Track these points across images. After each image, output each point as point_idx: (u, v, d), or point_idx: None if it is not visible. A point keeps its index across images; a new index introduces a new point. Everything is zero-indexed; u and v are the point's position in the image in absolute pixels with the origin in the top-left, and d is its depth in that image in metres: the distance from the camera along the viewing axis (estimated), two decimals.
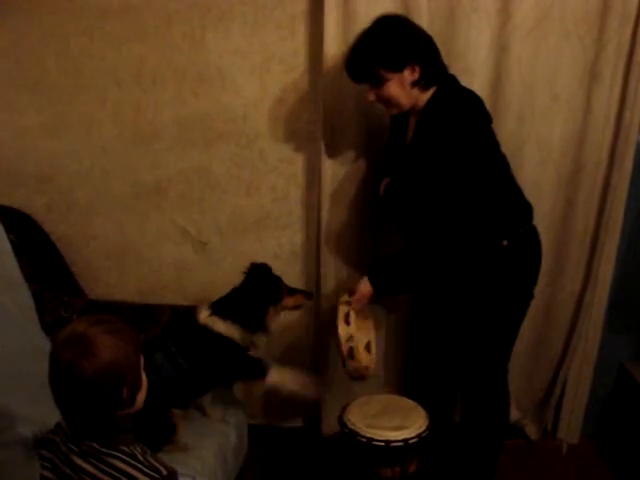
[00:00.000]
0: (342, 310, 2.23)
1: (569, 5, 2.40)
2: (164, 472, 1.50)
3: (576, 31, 2.43)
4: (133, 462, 1.48)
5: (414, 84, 2.09)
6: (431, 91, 2.13)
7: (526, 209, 2.23)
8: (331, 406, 2.87)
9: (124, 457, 1.48)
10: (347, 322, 2.20)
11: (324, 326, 2.77)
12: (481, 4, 2.41)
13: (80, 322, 1.47)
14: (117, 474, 1.46)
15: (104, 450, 1.48)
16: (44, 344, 2.51)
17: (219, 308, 2.24)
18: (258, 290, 2.28)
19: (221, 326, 2.21)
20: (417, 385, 2.68)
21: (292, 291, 2.39)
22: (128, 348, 1.47)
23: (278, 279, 2.36)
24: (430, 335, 2.57)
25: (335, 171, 2.63)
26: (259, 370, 2.28)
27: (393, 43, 2.05)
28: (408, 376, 2.86)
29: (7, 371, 2.27)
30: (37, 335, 2.52)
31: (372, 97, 2.15)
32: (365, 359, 2.20)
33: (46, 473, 1.58)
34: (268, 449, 2.80)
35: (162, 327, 2.65)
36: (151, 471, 1.48)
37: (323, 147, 2.58)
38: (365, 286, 2.21)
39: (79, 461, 1.49)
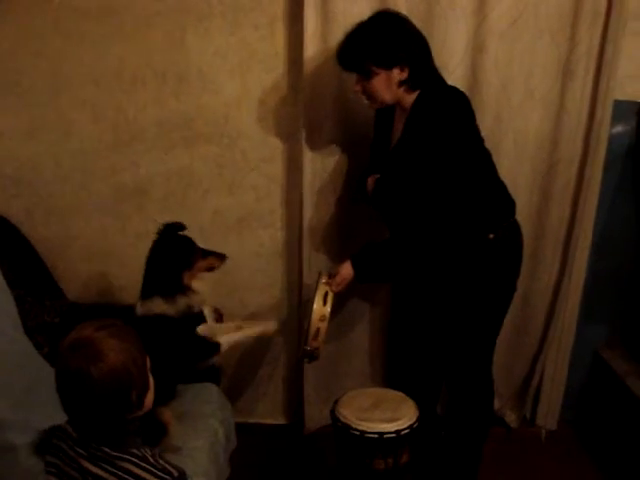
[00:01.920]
0: (322, 289, 2.23)
1: (542, 5, 2.47)
2: (175, 473, 1.50)
3: (549, 30, 2.50)
4: (144, 465, 1.48)
5: (401, 83, 2.13)
6: (416, 92, 2.16)
7: (509, 203, 2.28)
8: (313, 402, 2.92)
9: (135, 460, 1.47)
10: (324, 302, 2.21)
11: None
12: (458, 4, 2.47)
13: (85, 328, 1.45)
14: (129, 477, 1.46)
15: (115, 454, 1.47)
16: (27, 349, 2.49)
17: (143, 291, 2.24)
18: (168, 255, 2.25)
19: (151, 306, 2.19)
20: (401, 377, 2.71)
21: (205, 254, 2.34)
22: (134, 351, 1.46)
23: (189, 241, 2.32)
24: (414, 327, 2.60)
25: (316, 169, 2.66)
26: (210, 346, 2.27)
27: (386, 41, 2.09)
28: (392, 368, 2.90)
29: None
30: (20, 340, 2.47)
31: (357, 88, 2.18)
32: (323, 344, 2.23)
33: (51, 478, 1.57)
34: (252, 446, 2.80)
35: None
36: (163, 473, 1.48)
37: (304, 146, 2.60)
38: (347, 270, 2.23)
39: (88, 465, 1.48)
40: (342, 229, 2.75)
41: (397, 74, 2.11)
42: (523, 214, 2.63)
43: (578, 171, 2.63)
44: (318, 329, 2.19)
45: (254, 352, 2.90)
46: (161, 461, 1.51)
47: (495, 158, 2.28)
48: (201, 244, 2.77)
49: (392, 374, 2.89)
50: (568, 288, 2.77)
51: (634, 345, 2.86)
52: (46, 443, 1.62)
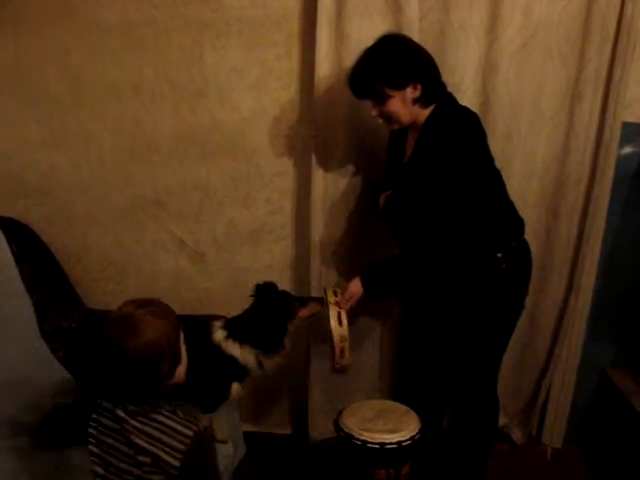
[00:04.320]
0: (334, 310, 2.26)
1: (553, 27, 2.51)
2: (201, 426, 1.68)
3: (559, 52, 2.54)
4: (173, 416, 1.66)
5: (415, 101, 2.16)
6: (430, 108, 2.20)
7: (518, 222, 2.31)
8: (319, 413, 2.95)
9: (165, 412, 1.66)
10: (340, 323, 2.25)
11: (316, 336, 2.83)
12: (470, 25, 2.51)
13: (127, 304, 1.64)
14: (158, 425, 1.63)
15: (148, 408, 1.65)
16: (44, 352, 2.57)
17: (236, 330, 2.25)
18: (274, 310, 2.28)
19: (237, 350, 2.23)
20: (409, 391, 2.74)
21: (303, 301, 2.39)
22: (168, 328, 1.63)
23: (287, 294, 2.36)
24: (422, 343, 2.62)
25: (326, 185, 2.70)
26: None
27: (396, 62, 2.12)
28: (400, 383, 2.93)
29: (7, 379, 2.32)
30: (37, 344, 2.56)
31: (375, 113, 2.21)
32: (349, 357, 2.28)
33: (93, 449, 1.71)
34: (257, 455, 2.82)
35: None
36: (189, 423, 1.65)
37: (314, 162, 2.65)
38: (356, 286, 2.26)
39: (125, 416, 1.65)
40: (352, 245, 2.79)
41: (410, 92, 2.14)
42: (531, 232, 2.65)
43: (586, 191, 2.65)
44: (342, 349, 2.23)
45: None
46: (190, 417, 1.68)
47: (504, 177, 2.31)
48: (214, 255, 2.85)
49: (400, 388, 2.92)
50: (575, 306, 2.78)
51: None
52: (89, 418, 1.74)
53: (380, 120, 2.24)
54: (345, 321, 2.25)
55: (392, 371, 2.97)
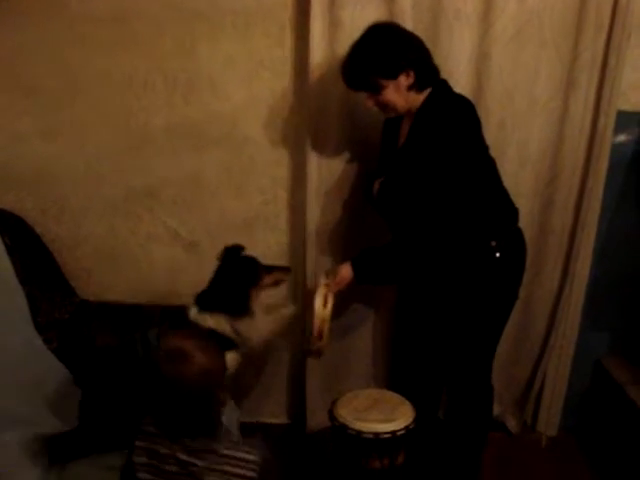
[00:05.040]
0: (322, 291, 2.27)
1: (547, 15, 2.50)
2: (258, 453, 1.72)
3: (553, 40, 2.53)
4: (236, 445, 1.71)
5: (410, 88, 2.16)
6: (425, 93, 2.20)
7: (513, 211, 2.31)
8: (316, 402, 2.95)
9: (228, 444, 1.70)
10: (325, 304, 2.25)
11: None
12: (463, 13, 2.50)
13: (173, 337, 1.75)
14: (226, 459, 1.67)
15: (209, 441, 1.67)
16: (37, 344, 2.56)
17: (205, 302, 2.30)
18: (237, 275, 2.33)
19: (210, 321, 2.27)
20: (403, 381, 2.74)
21: (269, 269, 2.42)
22: (216, 357, 1.73)
23: (253, 259, 2.40)
24: (416, 332, 2.62)
25: (321, 174, 2.69)
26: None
27: (386, 52, 2.12)
28: (394, 372, 2.93)
29: (1, 371, 2.31)
30: (31, 335, 2.55)
31: (370, 104, 2.21)
32: (328, 342, 2.29)
33: (146, 476, 1.73)
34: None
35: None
36: (250, 448, 1.71)
37: (309, 150, 2.64)
38: (346, 271, 2.26)
39: (186, 457, 1.66)
40: (347, 233, 2.79)
41: (404, 80, 2.14)
42: (526, 221, 2.65)
43: (581, 179, 2.64)
44: (321, 331, 2.24)
45: (257, 351, 2.93)
46: (242, 440, 1.80)
47: (499, 165, 2.30)
48: (208, 246, 2.84)
49: (395, 377, 2.92)
50: (570, 296, 2.78)
51: (635, 353, 2.87)
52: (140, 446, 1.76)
53: (376, 109, 2.24)
54: (330, 304, 2.25)
55: (388, 359, 2.97)
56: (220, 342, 2.27)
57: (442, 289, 2.36)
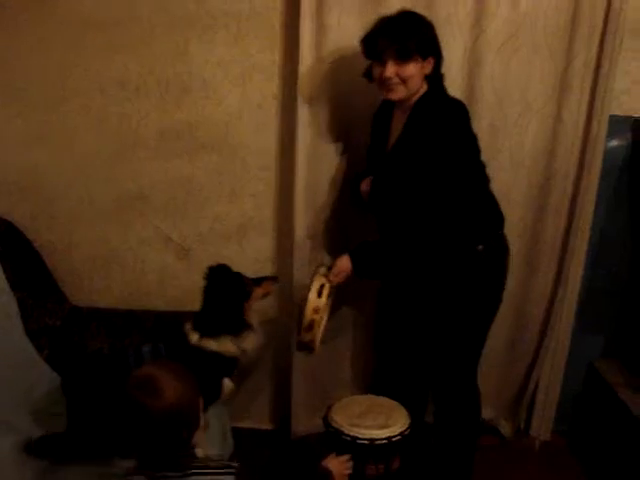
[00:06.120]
0: (318, 281, 2.23)
1: (540, 20, 2.50)
2: (235, 464, 1.65)
3: (546, 45, 2.52)
4: (207, 470, 1.62)
5: (426, 77, 2.17)
6: (424, 88, 2.20)
7: (499, 216, 2.32)
8: (302, 408, 2.93)
9: (197, 471, 1.61)
10: (319, 294, 2.21)
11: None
12: (455, 18, 2.50)
13: (148, 367, 1.68)
14: None
15: (179, 474, 1.60)
16: (29, 351, 2.55)
17: (205, 327, 2.28)
18: (229, 294, 2.32)
19: (215, 345, 2.26)
20: (387, 386, 2.72)
21: (258, 281, 2.43)
22: (190, 392, 1.63)
23: (239, 275, 2.39)
24: (400, 335, 2.62)
25: (309, 178, 2.67)
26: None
27: (426, 30, 2.15)
28: (378, 377, 2.92)
29: None
30: (22, 342, 2.54)
31: (391, 71, 2.12)
32: (320, 336, 2.25)
33: None
34: (239, 450, 2.80)
35: (143, 334, 2.70)
36: (225, 469, 1.63)
37: (298, 155, 2.62)
38: (345, 262, 2.24)
39: None
40: (336, 238, 2.77)
41: (426, 65, 2.15)
42: (519, 226, 2.69)
43: (574, 184, 2.65)
44: (312, 321, 2.18)
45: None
46: (217, 462, 1.68)
47: (491, 170, 2.31)
48: (200, 250, 2.84)
49: (379, 382, 2.91)
50: (563, 299, 2.79)
51: (629, 357, 2.88)
52: None
53: (389, 85, 2.16)
54: (325, 294, 2.21)
55: (370, 364, 2.96)
56: (221, 368, 2.30)
57: (427, 291, 2.35)
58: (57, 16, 2.62)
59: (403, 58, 2.11)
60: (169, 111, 2.71)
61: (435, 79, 2.20)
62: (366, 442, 2.22)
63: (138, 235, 2.86)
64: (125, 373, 1.67)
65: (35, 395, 2.44)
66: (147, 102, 2.70)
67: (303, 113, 2.60)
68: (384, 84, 2.17)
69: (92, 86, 2.69)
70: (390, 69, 2.13)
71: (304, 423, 2.94)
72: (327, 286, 2.23)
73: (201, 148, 2.75)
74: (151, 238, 2.86)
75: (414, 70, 2.12)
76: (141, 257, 2.89)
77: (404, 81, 2.15)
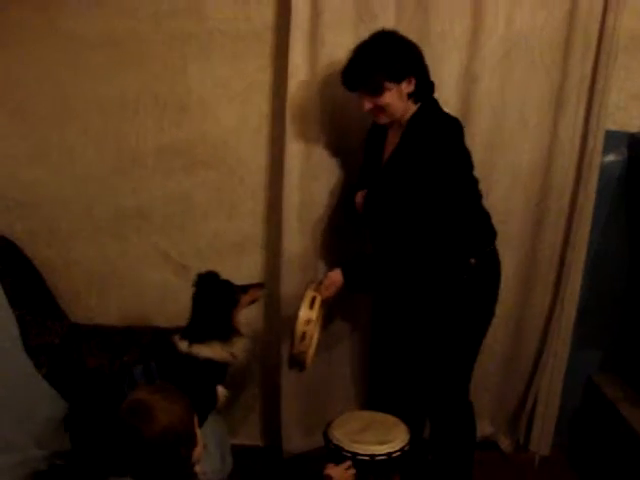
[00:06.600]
0: (309, 294, 2.24)
1: (535, 37, 2.53)
2: None
3: (542, 61, 2.56)
4: None
5: (409, 96, 2.18)
6: (417, 106, 2.22)
7: (491, 230, 2.34)
8: (293, 426, 2.92)
9: None
10: (311, 307, 2.22)
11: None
12: (450, 34, 2.52)
13: (140, 390, 1.70)
14: None
15: None
16: (28, 368, 2.54)
17: (193, 334, 2.31)
18: (217, 300, 2.35)
19: (206, 350, 2.28)
20: (383, 402, 2.71)
21: (245, 288, 2.45)
22: (182, 412, 1.64)
23: (228, 282, 2.42)
24: (395, 350, 2.62)
25: (300, 195, 2.66)
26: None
27: (394, 55, 2.14)
28: (374, 394, 2.91)
29: None
30: (21, 359, 2.53)
31: (368, 106, 2.19)
32: (313, 349, 2.26)
33: None
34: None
35: (141, 350, 2.70)
36: None
37: (285, 172, 2.62)
38: (336, 275, 2.25)
39: None
40: (328, 255, 2.77)
41: (405, 87, 2.16)
42: (516, 241, 2.70)
43: (570, 199, 2.67)
44: (304, 333, 2.19)
45: (234, 374, 2.87)
46: None
47: (488, 186, 2.34)
48: (199, 267, 2.83)
49: (373, 399, 2.90)
50: (561, 314, 2.80)
51: (627, 371, 2.88)
52: None
53: (370, 112, 2.22)
54: (317, 306, 2.22)
55: (365, 382, 2.96)
56: (213, 374, 2.31)
57: (420, 304, 2.36)
58: (57, 36, 2.63)
59: (374, 93, 2.17)
60: (167, 129, 2.72)
61: (422, 94, 2.21)
62: (366, 458, 2.21)
63: (137, 252, 2.86)
64: (120, 397, 1.68)
65: (34, 413, 2.43)
66: (146, 120, 2.71)
67: (292, 129, 2.59)
68: (368, 113, 2.24)
69: (90, 105, 2.70)
70: (367, 104, 2.20)
71: (296, 441, 2.92)
72: (318, 299, 2.24)
73: (199, 166, 2.76)
74: (150, 255, 2.86)
75: (390, 99, 2.16)
76: (139, 274, 2.89)
77: (384, 109, 2.19)
